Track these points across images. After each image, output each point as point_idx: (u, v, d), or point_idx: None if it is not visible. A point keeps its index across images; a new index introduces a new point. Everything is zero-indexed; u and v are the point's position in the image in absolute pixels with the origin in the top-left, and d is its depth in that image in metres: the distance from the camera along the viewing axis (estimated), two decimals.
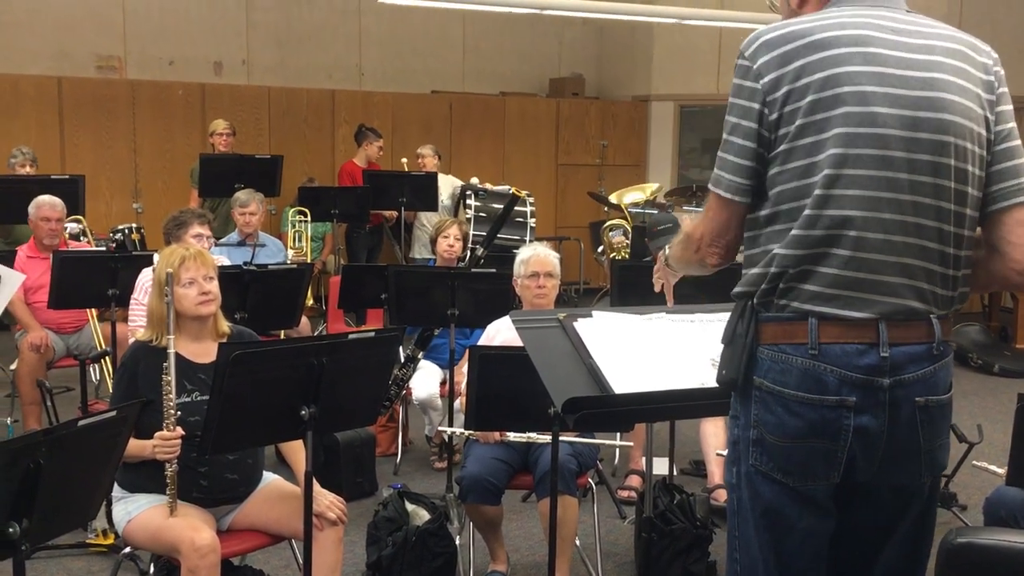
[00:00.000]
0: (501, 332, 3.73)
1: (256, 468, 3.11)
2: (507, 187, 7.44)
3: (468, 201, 6.97)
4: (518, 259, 3.72)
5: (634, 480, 4.55)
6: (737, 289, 1.83)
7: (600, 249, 7.35)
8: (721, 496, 4.41)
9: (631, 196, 7.23)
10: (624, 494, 4.46)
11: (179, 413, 2.83)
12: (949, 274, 1.77)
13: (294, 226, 6.97)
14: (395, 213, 7.43)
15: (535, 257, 3.69)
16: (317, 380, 2.56)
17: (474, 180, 7.33)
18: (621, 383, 2.05)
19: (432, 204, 7.22)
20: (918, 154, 1.73)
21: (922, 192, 1.73)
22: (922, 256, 1.74)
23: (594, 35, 11.04)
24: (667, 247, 2.12)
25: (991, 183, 1.81)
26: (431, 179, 7.19)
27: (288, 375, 2.54)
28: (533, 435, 3.29)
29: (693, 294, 4.15)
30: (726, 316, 2.47)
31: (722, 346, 1.84)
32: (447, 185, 7.48)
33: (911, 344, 1.73)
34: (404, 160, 7.97)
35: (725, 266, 1.90)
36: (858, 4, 1.83)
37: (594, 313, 2.32)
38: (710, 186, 1.86)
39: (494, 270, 4.18)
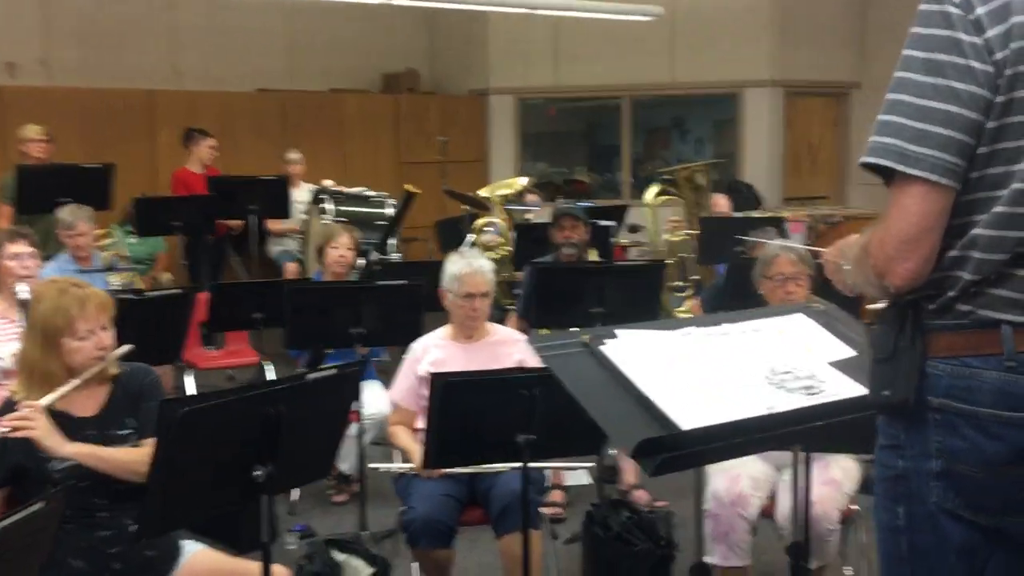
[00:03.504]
0: (430, 351, 3.36)
1: (175, 537, 2.61)
2: (362, 188, 7.02)
3: (325, 205, 6.51)
4: (451, 272, 3.34)
5: (556, 495, 4.28)
6: (907, 296, 1.53)
7: (466, 249, 7.02)
8: (641, 498, 4.23)
9: (501, 192, 6.95)
10: (549, 511, 4.17)
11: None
12: None
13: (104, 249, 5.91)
14: (241, 222, 6.83)
15: (471, 277, 3.31)
16: (274, 433, 2.13)
17: (327, 183, 6.86)
18: (685, 417, 1.76)
19: (284, 211, 6.68)
20: None
21: None
22: None
23: (424, 27, 10.68)
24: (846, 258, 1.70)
25: None
26: (282, 184, 6.64)
27: (240, 431, 2.10)
28: (499, 466, 2.94)
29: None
30: (759, 323, 2.27)
31: (874, 363, 1.57)
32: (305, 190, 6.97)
33: None
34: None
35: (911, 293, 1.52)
36: None
37: (617, 332, 2.01)
38: (898, 166, 1.45)
39: (405, 281, 3.80)
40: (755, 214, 7.10)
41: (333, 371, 2.24)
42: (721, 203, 6.43)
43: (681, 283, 6.39)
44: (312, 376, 2.21)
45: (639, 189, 9.83)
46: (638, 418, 1.78)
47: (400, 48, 10.49)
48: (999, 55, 1.44)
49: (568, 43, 9.75)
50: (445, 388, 2.58)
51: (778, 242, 3.72)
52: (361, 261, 4.62)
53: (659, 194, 6.28)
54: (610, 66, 9.68)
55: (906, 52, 1.49)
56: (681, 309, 6.17)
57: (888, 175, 1.49)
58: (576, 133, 11.18)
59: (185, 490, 2.06)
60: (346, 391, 2.37)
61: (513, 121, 10.24)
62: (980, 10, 1.45)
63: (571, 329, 4.04)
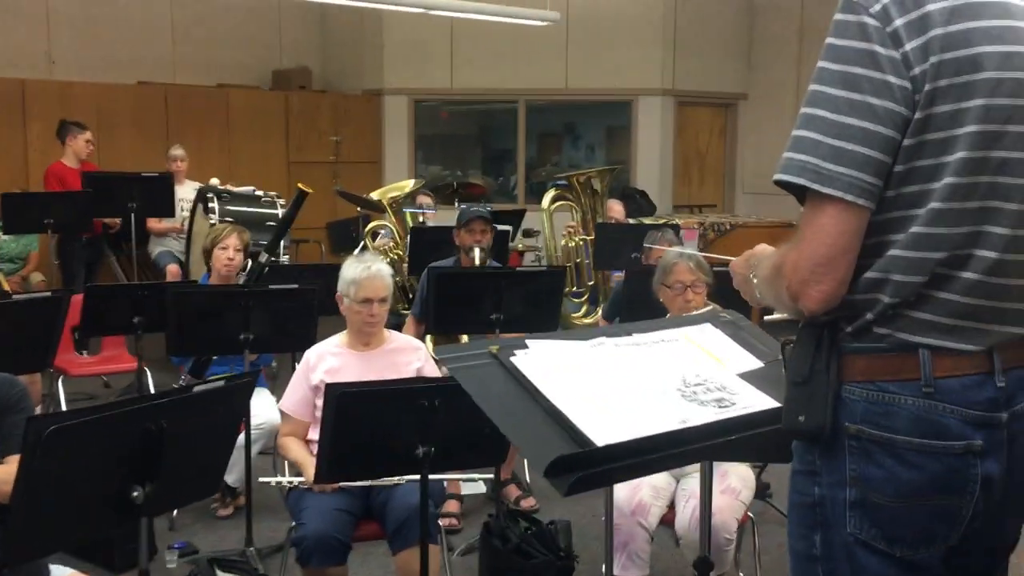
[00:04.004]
0: (325, 359, 3.22)
1: (43, 562, 2.41)
2: (251, 188, 6.77)
3: (211, 204, 6.24)
4: (347, 277, 3.19)
5: (452, 505, 4.18)
6: (823, 318, 1.46)
7: (358, 252, 6.85)
8: (512, 493, 4.23)
9: (393, 194, 6.79)
10: (444, 522, 4.07)
11: None
12: None
13: None
14: (118, 221, 6.50)
15: (369, 281, 3.16)
16: (156, 450, 1.97)
17: (214, 181, 6.58)
18: (600, 433, 1.68)
19: (169, 209, 6.38)
20: None
21: None
22: None
23: (317, 24, 10.42)
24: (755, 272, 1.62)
25: None
26: (166, 181, 6.35)
27: (117, 448, 1.93)
28: (396, 479, 2.83)
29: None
30: (668, 334, 2.21)
31: (790, 386, 1.49)
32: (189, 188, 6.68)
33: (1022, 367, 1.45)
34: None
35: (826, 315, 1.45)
36: None
37: (529, 343, 1.93)
38: (813, 185, 1.37)
39: (296, 285, 3.63)
40: (648, 220, 7.17)
41: (221, 383, 2.09)
42: (616, 209, 6.45)
43: (577, 288, 6.38)
44: (198, 388, 2.05)
45: (532, 194, 9.85)
46: (552, 434, 1.70)
47: (291, 44, 10.22)
48: (917, 69, 1.37)
49: (464, 45, 9.66)
50: (340, 399, 2.45)
51: (677, 249, 3.72)
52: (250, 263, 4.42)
53: (555, 199, 6.26)
54: (505, 70, 9.65)
55: (821, 64, 1.41)
56: (578, 315, 6.17)
57: (802, 193, 1.42)
58: (470, 136, 11.10)
59: (54, 512, 1.88)
60: (235, 404, 2.22)
61: (407, 122, 10.09)
62: (898, 22, 1.37)
63: (463, 338, 3.92)
